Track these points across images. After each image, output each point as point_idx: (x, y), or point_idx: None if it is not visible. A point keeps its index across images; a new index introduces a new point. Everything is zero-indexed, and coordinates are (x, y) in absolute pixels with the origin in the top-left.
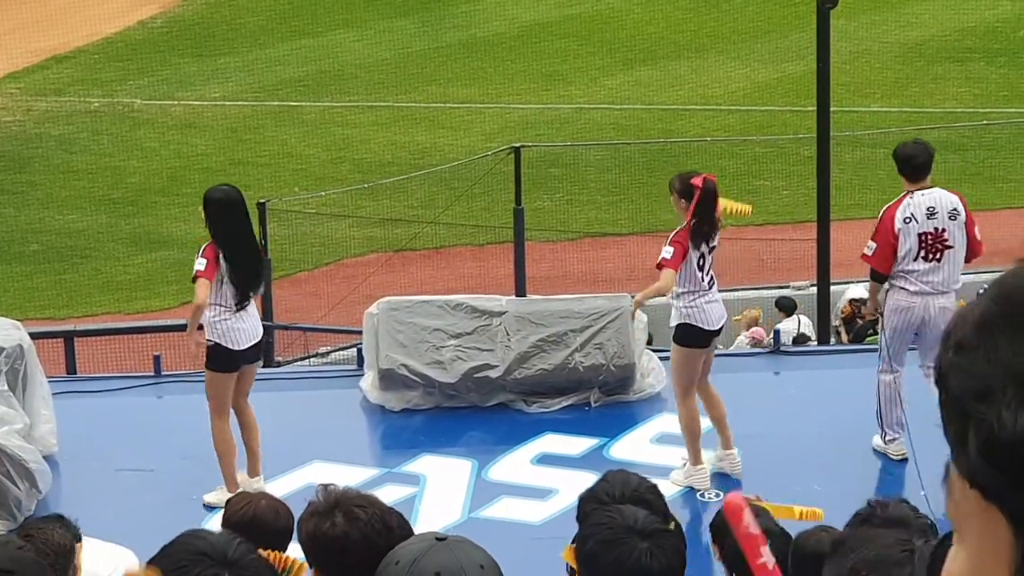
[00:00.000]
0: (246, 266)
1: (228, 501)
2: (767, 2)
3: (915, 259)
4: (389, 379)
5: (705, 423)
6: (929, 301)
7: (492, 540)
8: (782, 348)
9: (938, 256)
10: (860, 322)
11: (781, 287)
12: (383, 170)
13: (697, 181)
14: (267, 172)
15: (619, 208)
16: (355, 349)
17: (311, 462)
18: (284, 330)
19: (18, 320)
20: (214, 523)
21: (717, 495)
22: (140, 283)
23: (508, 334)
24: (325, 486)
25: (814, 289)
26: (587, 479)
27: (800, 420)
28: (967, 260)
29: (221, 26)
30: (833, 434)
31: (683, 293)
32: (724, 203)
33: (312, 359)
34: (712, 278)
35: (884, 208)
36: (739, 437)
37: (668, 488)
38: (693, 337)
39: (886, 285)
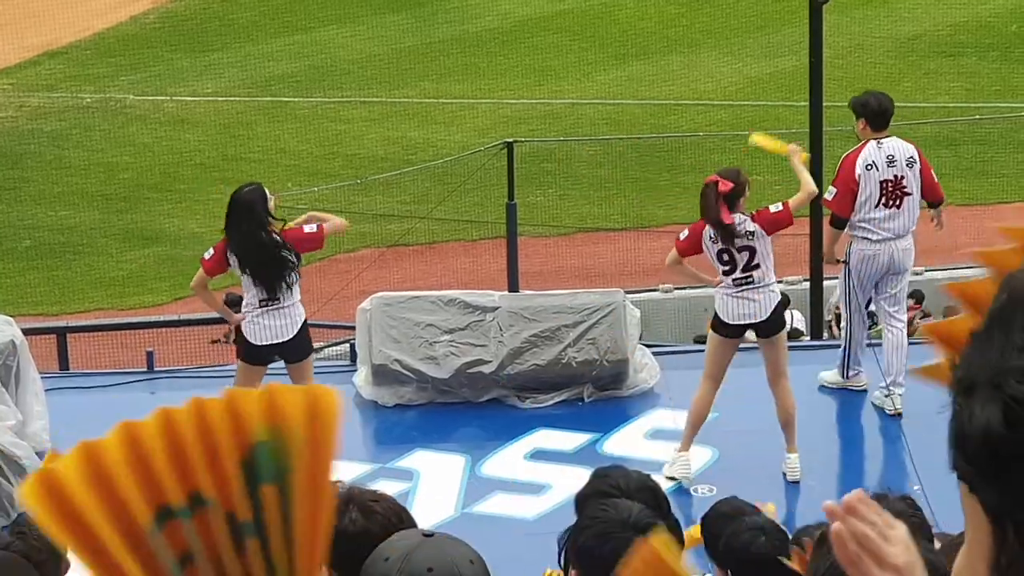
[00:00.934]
0: (258, 266)
1: None
2: None
3: (876, 206)
4: (382, 375)
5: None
6: (892, 245)
7: (485, 535)
8: None
9: (898, 203)
10: None
11: None
12: (376, 166)
13: (708, 181)
14: (260, 168)
15: (612, 203)
16: (348, 345)
17: None
18: None
19: (11, 316)
20: None
21: (710, 490)
22: (133, 279)
23: (501, 329)
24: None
25: (807, 284)
26: (580, 474)
27: None
28: (932, 205)
29: (213, 21)
30: (826, 428)
31: (720, 282)
32: (758, 138)
33: None
34: (745, 276)
35: (844, 155)
36: (733, 432)
37: (662, 483)
38: (715, 324)
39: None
